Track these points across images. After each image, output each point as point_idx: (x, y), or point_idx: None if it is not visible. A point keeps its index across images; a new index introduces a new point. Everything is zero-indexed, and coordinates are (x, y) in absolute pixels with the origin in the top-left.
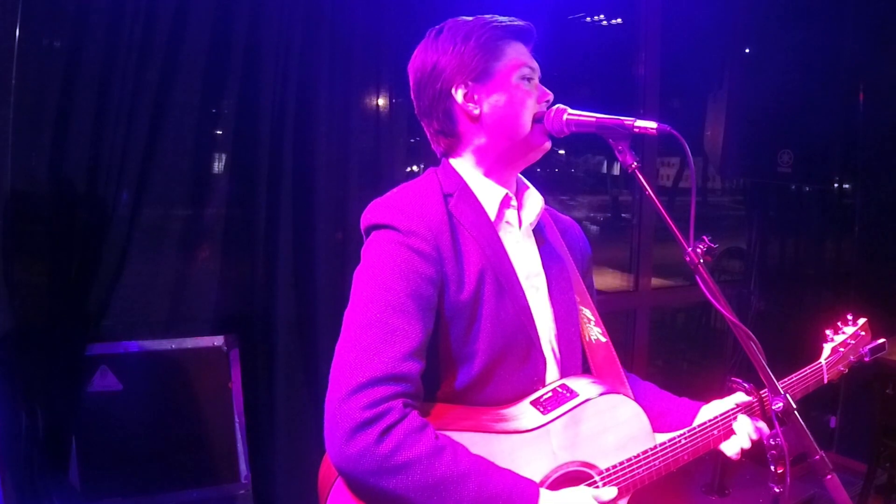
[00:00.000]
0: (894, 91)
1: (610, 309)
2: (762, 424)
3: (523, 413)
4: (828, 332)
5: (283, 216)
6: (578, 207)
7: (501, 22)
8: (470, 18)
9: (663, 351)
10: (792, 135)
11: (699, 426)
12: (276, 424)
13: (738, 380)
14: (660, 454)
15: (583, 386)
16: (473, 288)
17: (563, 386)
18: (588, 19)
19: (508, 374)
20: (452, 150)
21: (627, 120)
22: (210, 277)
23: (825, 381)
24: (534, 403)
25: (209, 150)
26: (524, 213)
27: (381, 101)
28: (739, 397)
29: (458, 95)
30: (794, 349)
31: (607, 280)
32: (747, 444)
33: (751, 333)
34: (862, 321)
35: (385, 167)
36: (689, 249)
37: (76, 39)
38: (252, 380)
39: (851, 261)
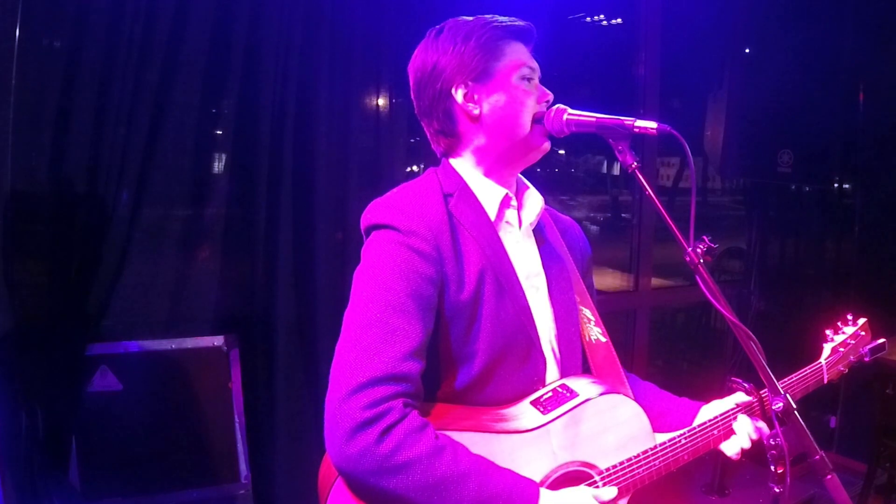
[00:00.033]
0: (894, 91)
1: (610, 309)
2: (762, 424)
3: (523, 413)
4: (828, 332)
5: (283, 216)
6: (578, 207)
7: (502, 22)
8: (470, 18)
9: (663, 351)
10: (792, 135)
11: (699, 426)
12: (276, 424)
13: (738, 380)
14: (660, 454)
15: (583, 386)
16: (473, 288)
17: (563, 386)
18: (588, 19)
19: (508, 373)
20: (452, 150)
21: (627, 120)
22: (210, 277)
23: (825, 381)
24: (534, 403)
25: (209, 150)
26: (524, 213)
27: (381, 101)
28: (739, 397)
29: (458, 95)
30: (794, 349)
31: (607, 280)
32: (747, 444)
33: (751, 333)
34: (862, 321)
35: (385, 167)
36: (689, 249)
37: (76, 39)
38: (252, 380)
39: (851, 261)
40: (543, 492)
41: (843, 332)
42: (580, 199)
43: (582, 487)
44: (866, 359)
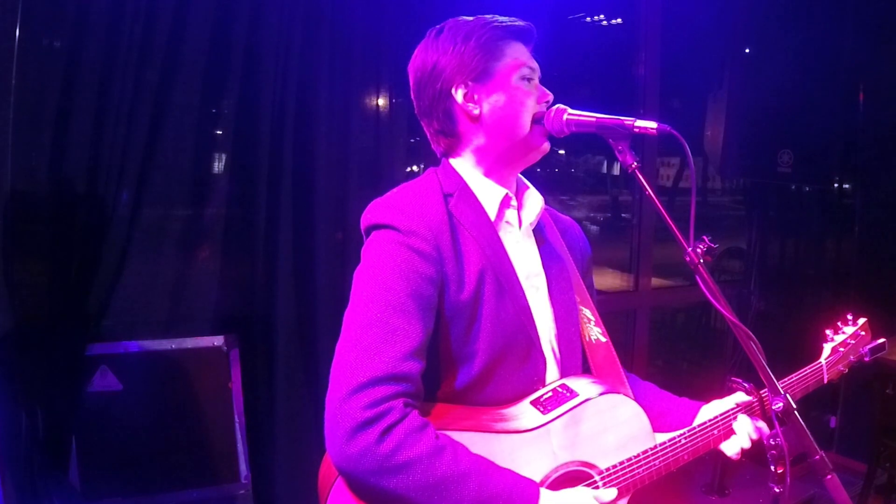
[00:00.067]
0: (894, 91)
1: (610, 309)
2: (762, 424)
3: (523, 413)
4: (828, 331)
5: (283, 216)
6: (578, 207)
7: (502, 22)
8: (470, 18)
9: (663, 351)
10: (792, 135)
11: (699, 426)
12: (276, 424)
13: (738, 380)
14: (660, 454)
15: (583, 386)
16: (473, 288)
17: (563, 386)
18: (588, 19)
19: (508, 373)
20: (452, 150)
21: (627, 120)
22: (210, 277)
23: (825, 380)
24: (534, 403)
25: (209, 150)
26: (524, 213)
27: (381, 101)
28: (739, 397)
29: (458, 95)
30: (794, 349)
31: (607, 280)
32: (747, 444)
33: (751, 333)
34: (862, 321)
35: (385, 167)
36: (689, 249)
37: (76, 39)
38: (252, 380)
39: (851, 261)
40: (543, 492)
41: (843, 332)
42: (580, 199)
43: (582, 487)
44: (866, 359)
